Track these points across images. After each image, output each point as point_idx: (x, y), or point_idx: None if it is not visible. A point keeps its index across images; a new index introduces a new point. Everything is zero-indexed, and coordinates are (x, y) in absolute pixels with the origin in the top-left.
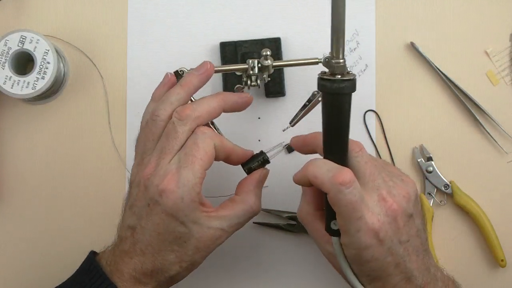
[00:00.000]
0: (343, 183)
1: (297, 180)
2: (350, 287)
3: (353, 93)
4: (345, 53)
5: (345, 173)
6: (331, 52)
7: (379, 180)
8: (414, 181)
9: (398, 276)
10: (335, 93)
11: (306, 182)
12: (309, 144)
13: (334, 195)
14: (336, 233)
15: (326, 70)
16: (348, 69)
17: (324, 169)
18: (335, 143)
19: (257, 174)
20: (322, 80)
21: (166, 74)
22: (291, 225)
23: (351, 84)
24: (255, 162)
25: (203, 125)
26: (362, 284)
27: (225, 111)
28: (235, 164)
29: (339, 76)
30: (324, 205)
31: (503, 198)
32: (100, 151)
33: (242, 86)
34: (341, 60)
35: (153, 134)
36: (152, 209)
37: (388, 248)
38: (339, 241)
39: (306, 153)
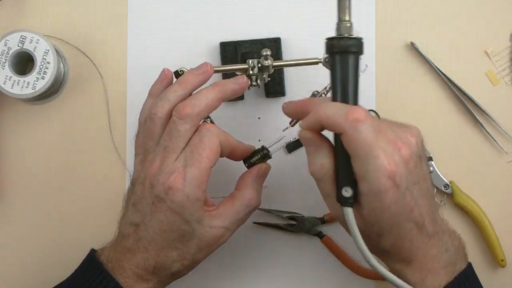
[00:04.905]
0: (359, 119)
1: (307, 124)
2: None
3: None
4: None
5: (360, 110)
6: (338, 15)
7: (383, 125)
8: (417, 126)
9: (411, 223)
10: (343, 51)
11: (317, 126)
12: (303, 110)
13: (350, 133)
14: (348, 201)
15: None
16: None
17: (337, 108)
18: (344, 99)
19: (256, 168)
20: (329, 40)
21: (163, 70)
22: (291, 225)
23: (358, 42)
24: (256, 157)
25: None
26: (378, 248)
27: (224, 100)
28: (237, 160)
29: (346, 35)
30: (336, 168)
31: (503, 198)
32: (100, 151)
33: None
34: (347, 21)
35: (153, 133)
36: (157, 207)
37: (405, 189)
38: (352, 211)
39: (298, 119)
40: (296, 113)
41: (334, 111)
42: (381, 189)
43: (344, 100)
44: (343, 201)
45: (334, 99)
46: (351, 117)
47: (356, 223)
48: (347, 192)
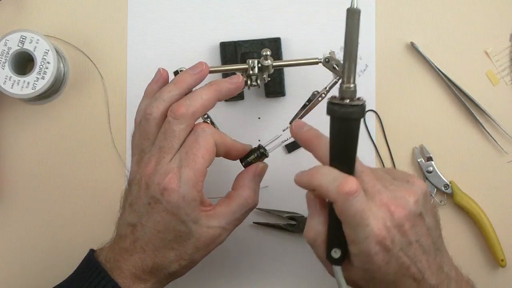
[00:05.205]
0: (350, 192)
1: (300, 184)
2: None
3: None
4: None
5: (351, 182)
6: (342, 77)
7: (378, 186)
8: (421, 180)
9: (409, 279)
10: (343, 118)
11: (309, 188)
12: (307, 144)
13: (341, 205)
14: (337, 261)
15: (337, 95)
16: (358, 96)
17: (330, 178)
18: (341, 164)
19: (252, 167)
20: (331, 104)
21: (158, 70)
22: (291, 225)
23: (360, 110)
24: (252, 156)
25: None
26: None
27: (219, 100)
28: (234, 159)
29: (348, 101)
30: (328, 229)
31: (503, 198)
32: (100, 151)
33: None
34: (352, 85)
35: (148, 133)
36: (153, 207)
37: (398, 251)
38: (341, 270)
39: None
40: (299, 140)
41: (328, 181)
42: (370, 253)
43: (340, 165)
44: (331, 261)
45: (331, 161)
46: (343, 190)
47: (345, 280)
48: (335, 253)
